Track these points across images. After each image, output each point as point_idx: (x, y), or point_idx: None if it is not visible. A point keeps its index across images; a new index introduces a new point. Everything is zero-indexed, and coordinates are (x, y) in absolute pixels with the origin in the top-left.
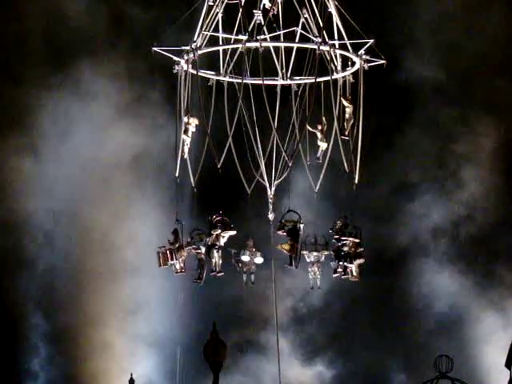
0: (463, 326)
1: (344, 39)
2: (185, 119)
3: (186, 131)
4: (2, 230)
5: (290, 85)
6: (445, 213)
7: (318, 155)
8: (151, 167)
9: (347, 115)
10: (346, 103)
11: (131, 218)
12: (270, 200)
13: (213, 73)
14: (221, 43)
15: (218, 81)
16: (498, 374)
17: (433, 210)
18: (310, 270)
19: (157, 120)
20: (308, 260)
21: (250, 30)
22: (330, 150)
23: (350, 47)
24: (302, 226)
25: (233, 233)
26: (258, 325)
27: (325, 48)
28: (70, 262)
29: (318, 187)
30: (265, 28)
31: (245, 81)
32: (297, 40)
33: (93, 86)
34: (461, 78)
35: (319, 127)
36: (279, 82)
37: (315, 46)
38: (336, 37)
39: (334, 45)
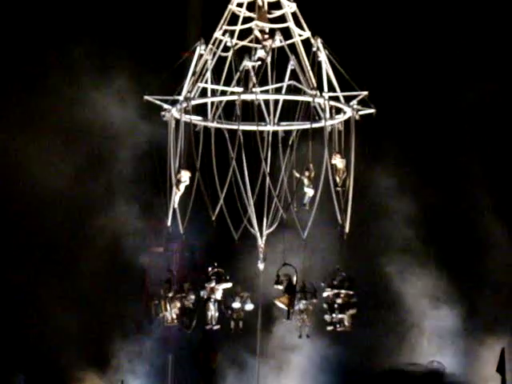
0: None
1: (336, 86)
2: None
3: (177, 184)
4: None
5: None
6: None
7: (305, 202)
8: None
9: (340, 169)
10: (337, 159)
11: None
12: (261, 249)
13: (200, 118)
14: (210, 93)
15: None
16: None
17: None
18: (298, 317)
19: None
20: (296, 308)
21: (241, 79)
22: (317, 197)
23: (342, 98)
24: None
25: (228, 285)
26: None
27: (319, 100)
28: None
29: (305, 234)
30: (254, 77)
31: (240, 127)
32: (284, 89)
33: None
34: None
35: (306, 174)
36: (272, 128)
37: (310, 99)
38: (326, 83)
39: (327, 97)
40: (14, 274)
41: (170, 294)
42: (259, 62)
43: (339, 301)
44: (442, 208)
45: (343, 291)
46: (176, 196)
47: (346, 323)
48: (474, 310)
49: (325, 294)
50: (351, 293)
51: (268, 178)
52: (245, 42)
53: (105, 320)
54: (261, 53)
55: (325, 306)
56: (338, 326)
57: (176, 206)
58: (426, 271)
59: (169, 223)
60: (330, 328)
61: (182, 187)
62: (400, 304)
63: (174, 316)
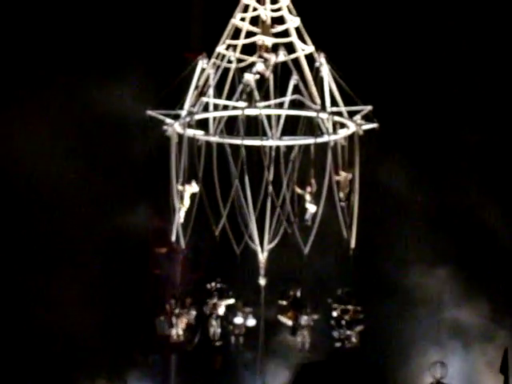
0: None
1: (339, 101)
2: (179, 187)
3: (181, 198)
4: None
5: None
6: None
7: (307, 217)
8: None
9: (343, 184)
10: (343, 173)
11: None
12: (262, 265)
13: (202, 132)
14: (212, 107)
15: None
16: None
17: None
18: (299, 332)
19: None
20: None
21: (244, 91)
22: (320, 213)
23: (345, 113)
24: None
25: (230, 301)
26: None
27: (323, 115)
28: None
29: (307, 249)
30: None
31: (244, 142)
32: (287, 104)
33: None
34: None
35: (308, 189)
36: (275, 142)
37: (314, 114)
38: (329, 98)
39: (332, 112)
40: (22, 278)
41: (177, 311)
42: (258, 76)
43: (346, 317)
44: (456, 209)
45: (350, 307)
46: (181, 211)
47: (354, 339)
48: (487, 311)
49: (334, 312)
50: (359, 309)
51: (270, 188)
52: (248, 57)
53: (111, 326)
54: (260, 66)
55: (332, 322)
56: (346, 342)
57: (181, 220)
58: (440, 272)
59: (173, 238)
60: (338, 344)
61: (187, 200)
62: (409, 302)
63: (181, 332)
